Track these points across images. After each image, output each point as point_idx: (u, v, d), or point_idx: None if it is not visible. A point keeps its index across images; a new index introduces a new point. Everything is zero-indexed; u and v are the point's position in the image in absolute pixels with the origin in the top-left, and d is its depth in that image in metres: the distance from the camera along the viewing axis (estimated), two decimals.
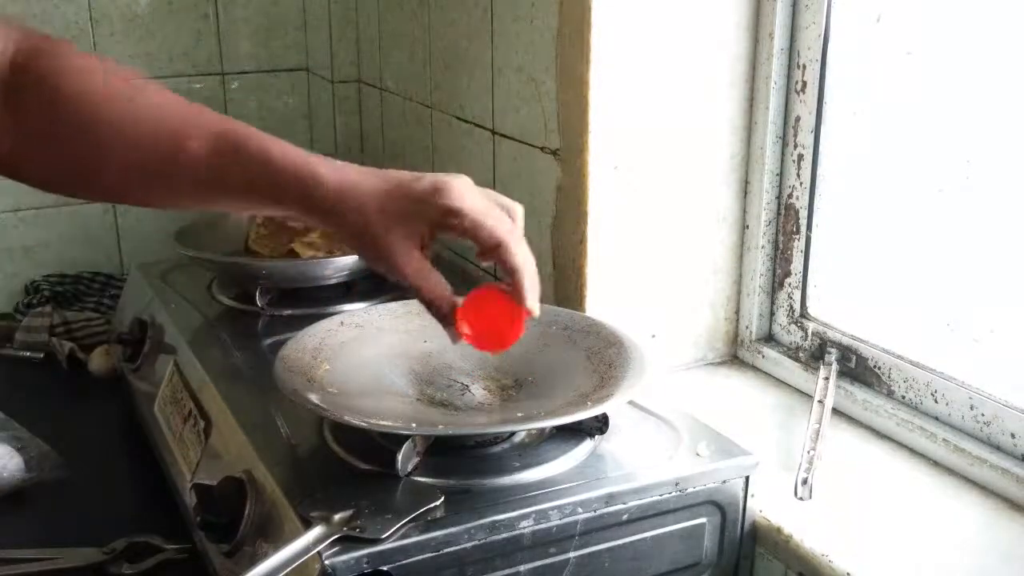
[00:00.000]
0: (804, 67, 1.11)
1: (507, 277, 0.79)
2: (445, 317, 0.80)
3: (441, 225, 0.77)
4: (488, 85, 1.29)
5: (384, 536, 0.75)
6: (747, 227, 1.19)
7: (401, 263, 0.77)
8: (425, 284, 0.79)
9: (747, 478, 0.89)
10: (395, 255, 0.77)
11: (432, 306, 0.80)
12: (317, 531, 0.75)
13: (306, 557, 0.73)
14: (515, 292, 0.79)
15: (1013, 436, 0.93)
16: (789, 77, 1.13)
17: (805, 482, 0.92)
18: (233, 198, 0.79)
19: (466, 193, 0.76)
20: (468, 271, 1.41)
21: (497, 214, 0.78)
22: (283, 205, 0.77)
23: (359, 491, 0.80)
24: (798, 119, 1.12)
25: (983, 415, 0.96)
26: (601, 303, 1.14)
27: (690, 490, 0.87)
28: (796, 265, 1.16)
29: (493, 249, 0.77)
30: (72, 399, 1.38)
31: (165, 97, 0.79)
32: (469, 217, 0.76)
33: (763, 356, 1.20)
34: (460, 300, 0.80)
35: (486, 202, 0.78)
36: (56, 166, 0.78)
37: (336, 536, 0.75)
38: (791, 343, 1.18)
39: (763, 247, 1.18)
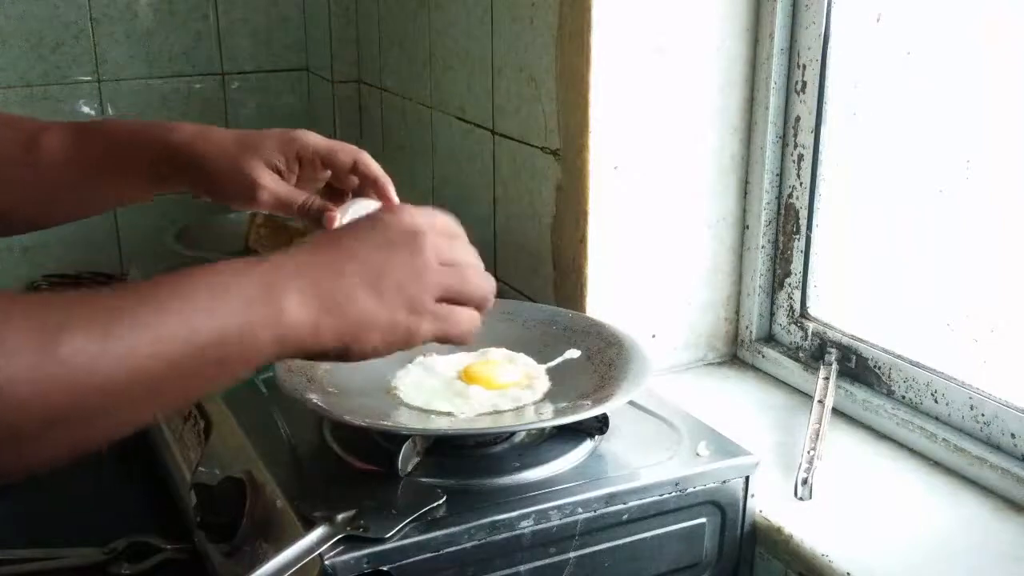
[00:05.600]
0: (804, 67, 1.11)
1: (372, 187, 0.88)
2: (314, 212, 0.85)
3: (293, 153, 0.86)
4: (488, 85, 1.29)
5: (388, 535, 0.75)
6: (747, 227, 1.19)
7: (261, 182, 0.84)
8: (287, 194, 0.85)
9: (747, 478, 0.89)
10: (255, 176, 0.84)
11: (303, 209, 0.85)
12: (321, 531, 0.75)
13: (311, 556, 0.73)
14: (383, 196, 0.88)
15: (1013, 436, 0.93)
16: (789, 77, 1.13)
17: (805, 482, 0.92)
18: (95, 169, 0.86)
19: (310, 133, 0.87)
20: None
21: (343, 143, 0.88)
22: (144, 156, 0.85)
23: (360, 491, 0.81)
24: (798, 119, 1.12)
25: (983, 415, 0.96)
26: (601, 303, 1.14)
27: (690, 490, 0.87)
28: (796, 265, 1.16)
29: (352, 166, 0.87)
30: None
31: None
32: (321, 144, 0.87)
33: (763, 356, 1.20)
34: (330, 205, 0.86)
35: (328, 139, 0.88)
36: None
37: (340, 536, 0.75)
38: (791, 343, 1.18)
39: (763, 247, 1.18)
